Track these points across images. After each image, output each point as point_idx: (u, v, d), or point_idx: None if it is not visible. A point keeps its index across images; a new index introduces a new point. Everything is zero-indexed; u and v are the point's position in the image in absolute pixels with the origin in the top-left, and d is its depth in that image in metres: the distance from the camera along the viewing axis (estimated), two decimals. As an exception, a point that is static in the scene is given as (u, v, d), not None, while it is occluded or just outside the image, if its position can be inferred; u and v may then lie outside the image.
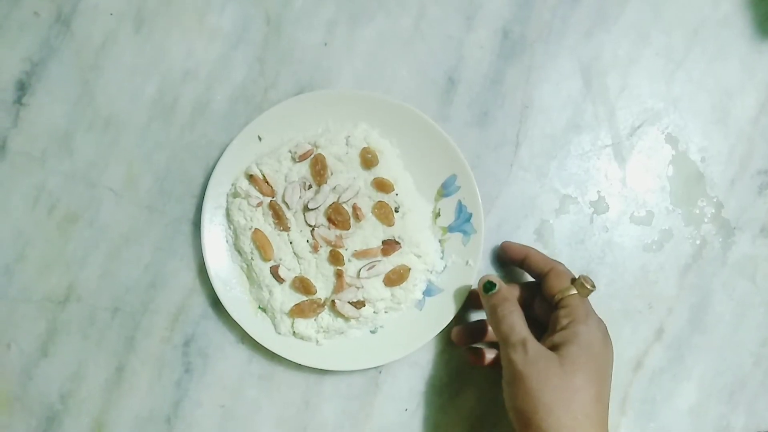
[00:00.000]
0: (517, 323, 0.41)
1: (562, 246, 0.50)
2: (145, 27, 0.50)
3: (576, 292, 0.42)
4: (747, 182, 0.51)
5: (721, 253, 0.50)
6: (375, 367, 0.48)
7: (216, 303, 0.47)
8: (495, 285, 0.43)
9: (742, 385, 0.50)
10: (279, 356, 0.47)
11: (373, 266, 0.46)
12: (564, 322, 0.40)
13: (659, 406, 0.49)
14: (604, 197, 0.50)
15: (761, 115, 0.51)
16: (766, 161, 0.51)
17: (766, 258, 0.50)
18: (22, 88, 0.49)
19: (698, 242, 0.50)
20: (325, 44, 0.50)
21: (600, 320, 0.41)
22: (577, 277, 0.43)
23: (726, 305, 0.50)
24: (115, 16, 0.49)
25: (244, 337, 0.48)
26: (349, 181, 0.47)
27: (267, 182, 0.47)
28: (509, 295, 0.43)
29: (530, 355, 0.38)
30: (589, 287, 0.42)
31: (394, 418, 0.49)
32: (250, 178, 0.47)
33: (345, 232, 0.46)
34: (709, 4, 0.51)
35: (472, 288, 0.47)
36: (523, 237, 0.50)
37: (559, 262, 0.45)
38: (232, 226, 0.47)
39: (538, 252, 0.46)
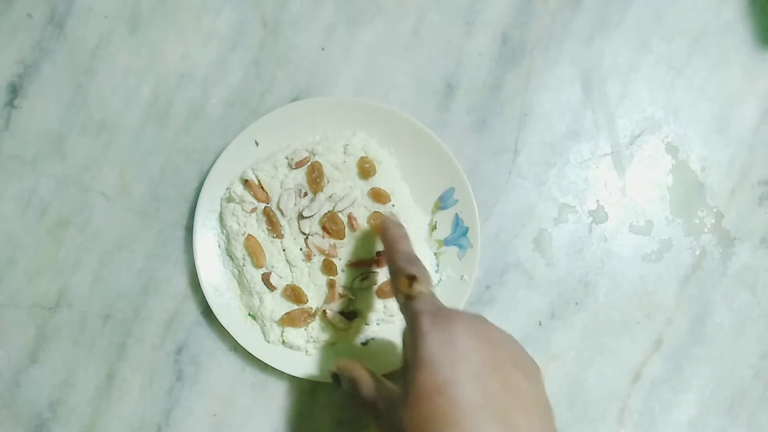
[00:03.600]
0: (368, 398, 0.36)
1: (560, 255, 0.49)
2: (140, 29, 0.49)
3: (402, 298, 0.35)
4: (747, 192, 0.50)
5: (721, 264, 0.50)
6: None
7: (208, 310, 0.47)
8: (339, 378, 0.39)
9: (742, 398, 0.49)
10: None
11: (367, 277, 0.46)
12: (408, 351, 0.34)
13: (658, 418, 0.49)
14: (603, 206, 0.50)
15: (762, 125, 0.50)
16: (767, 171, 0.50)
17: (767, 269, 0.50)
18: (14, 90, 0.48)
19: (698, 253, 0.50)
20: (323, 48, 0.49)
21: (445, 330, 0.31)
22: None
23: (726, 316, 0.49)
24: (109, 18, 0.49)
25: (237, 345, 0.47)
26: (345, 190, 0.46)
27: (262, 188, 0.46)
28: (355, 372, 0.38)
29: (382, 411, 0.34)
30: (407, 288, 0.34)
31: (389, 428, 0.48)
32: (245, 183, 0.46)
33: (339, 241, 0.46)
34: (710, 12, 0.51)
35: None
36: (521, 246, 0.49)
37: (402, 253, 0.38)
38: (224, 231, 0.47)
39: (401, 246, 0.39)
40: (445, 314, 0.33)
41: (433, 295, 0.35)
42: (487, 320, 0.34)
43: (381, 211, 0.46)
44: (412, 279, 0.35)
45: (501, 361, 0.31)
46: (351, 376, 0.38)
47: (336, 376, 0.39)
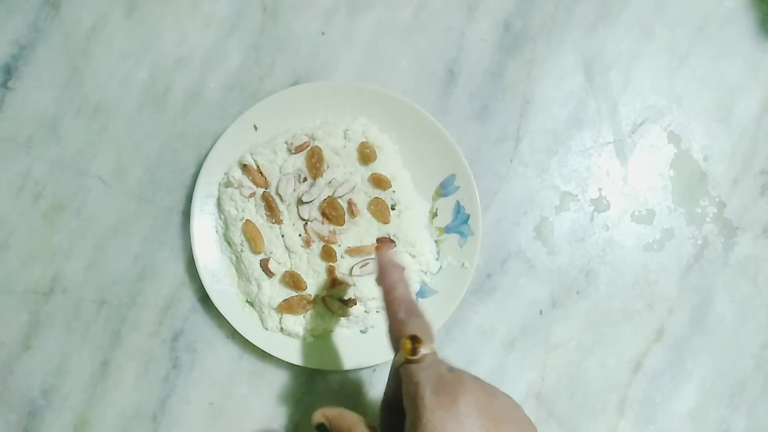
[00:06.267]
0: None
1: (561, 244, 0.49)
2: (137, 11, 0.48)
3: (402, 359, 0.31)
4: (750, 182, 0.50)
5: (723, 254, 0.49)
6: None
7: (205, 297, 0.46)
8: (324, 425, 0.35)
9: (742, 388, 0.49)
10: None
11: (366, 264, 0.45)
12: (407, 423, 0.30)
13: (659, 408, 0.48)
14: (605, 195, 0.49)
15: (765, 114, 0.50)
16: (770, 161, 0.50)
17: (769, 259, 0.50)
18: (9, 72, 0.48)
19: (700, 242, 0.49)
20: (323, 33, 0.49)
21: (450, 406, 0.29)
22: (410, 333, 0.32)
23: (727, 306, 0.49)
24: (106, -1, 0.48)
25: (234, 333, 0.46)
26: (345, 176, 0.45)
27: (261, 173, 0.45)
28: (345, 421, 0.35)
29: None
30: (410, 353, 0.31)
31: (388, 417, 0.47)
32: (244, 167, 0.46)
33: (339, 227, 0.45)
34: (713, 1, 0.50)
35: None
36: (523, 234, 0.48)
37: (405, 302, 0.35)
38: (222, 216, 0.46)
39: (402, 288, 0.35)
40: (448, 387, 0.30)
41: (435, 357, 0.32)
42: (487, 384, 0.31)
43: (381, 197, 0.45)
44: (415, 341, 0.31)
45: None
46: (341, 426, 0.34)
47: (323, 427, 0.35)
